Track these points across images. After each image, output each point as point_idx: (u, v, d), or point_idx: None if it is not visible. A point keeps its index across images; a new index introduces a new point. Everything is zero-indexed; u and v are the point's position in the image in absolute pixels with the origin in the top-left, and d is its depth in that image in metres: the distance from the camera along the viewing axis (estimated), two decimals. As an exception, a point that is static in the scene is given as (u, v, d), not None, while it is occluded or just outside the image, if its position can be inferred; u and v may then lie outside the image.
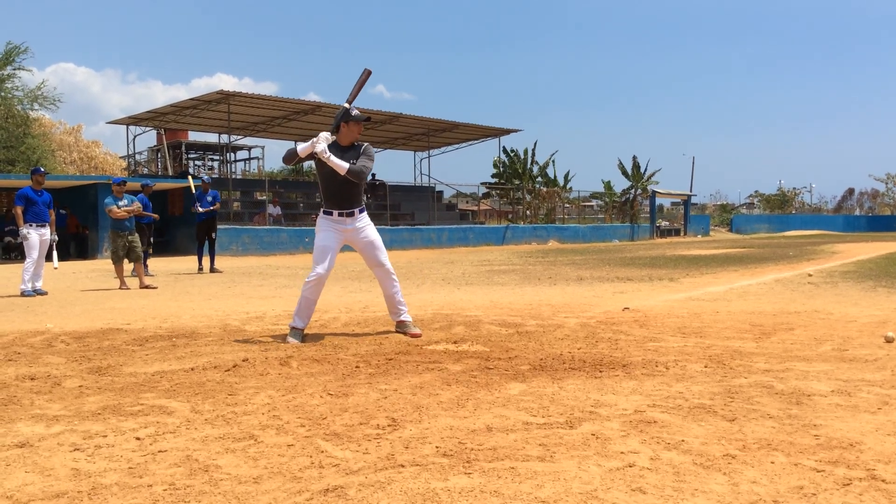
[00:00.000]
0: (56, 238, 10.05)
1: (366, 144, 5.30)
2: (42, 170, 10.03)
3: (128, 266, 10.75)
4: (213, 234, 13.53)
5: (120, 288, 9.98)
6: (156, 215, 12.73)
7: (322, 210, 5.32)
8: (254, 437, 2.80)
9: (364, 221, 5.36)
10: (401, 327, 5.42)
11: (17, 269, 10.71)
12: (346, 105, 5.16)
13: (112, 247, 10.39)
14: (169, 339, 5.26)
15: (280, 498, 2.18)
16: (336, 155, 5.10)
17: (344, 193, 5.22)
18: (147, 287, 10.06)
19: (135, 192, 12.24)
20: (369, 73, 5.23)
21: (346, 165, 5.06)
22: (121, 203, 10.39)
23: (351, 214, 5.26)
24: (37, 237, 9.55)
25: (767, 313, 6.29)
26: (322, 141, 5.02)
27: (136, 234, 10.55)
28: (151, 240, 12.66)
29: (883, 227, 48.17)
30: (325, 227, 5.28)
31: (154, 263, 12.48)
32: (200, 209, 13.21)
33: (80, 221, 20.92)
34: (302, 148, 5.10)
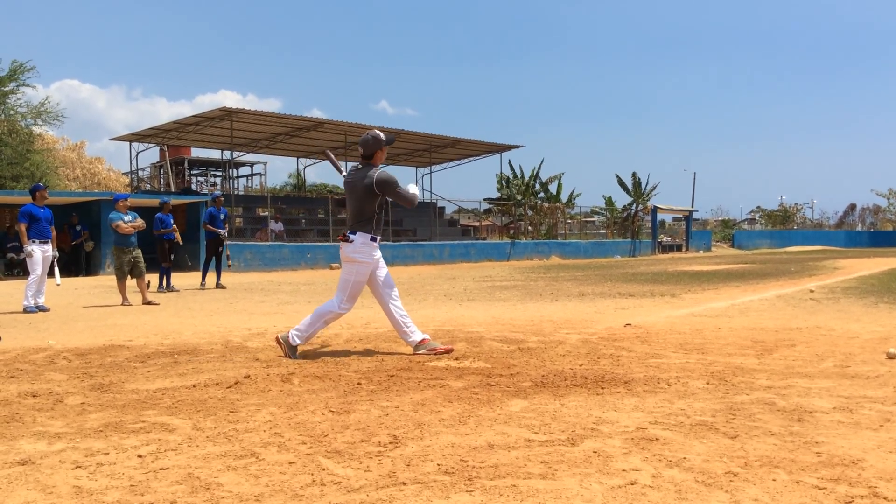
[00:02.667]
0: (57, 254, 10.08)
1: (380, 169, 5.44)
2: (43, 186, 10.07)
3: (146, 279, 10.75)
4: (221, 249, 13.64)
5: (122, 304, 9.99)
6: (177, 235, 12.93)
7: (370, 237, 5.26)
8: (255, 454, 2.80)
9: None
10: (421, 347, 5.26)
11: (19, 285, 10.74)
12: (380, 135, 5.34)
13: (116, 262, 10.41)
14: (171, 356, 5.27)
15: (281, 516, 2.18)
16: (353, 173, 5.31)
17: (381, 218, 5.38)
18: (149, 303, 10.07)
19: (150, 211, 12.40)
20: (326, 153, 5.51)
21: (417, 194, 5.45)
22: (126, 218, 10.45)
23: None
24: (40, 254, 9.57)
25: (769, 329, 6.28)
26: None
27: (139, 250, 10.58)
28: (172, 256, 12.76)
29: (885, 243, 48.11)
30: (370, 258, 5.26)
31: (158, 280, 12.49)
32: (222, 231, 13.46)
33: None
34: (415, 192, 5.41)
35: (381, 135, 5.30)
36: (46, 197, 9.86)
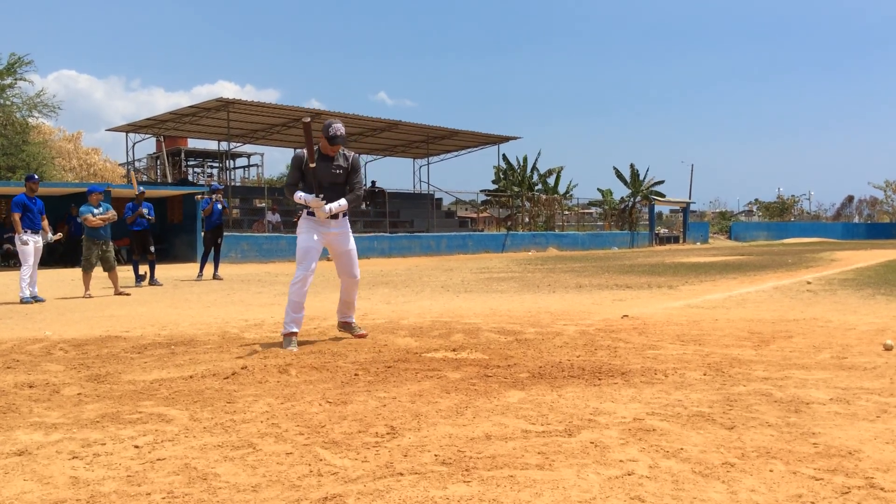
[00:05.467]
0: (51, 238, 10.07)
1: (353, 156, 5.46)
2: (36, 177, 10.03)
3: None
4: (219, 241, 13.59)
5: (83, 296, 9.96)
6: (148, 217, 12.29)
7: (306, 211, 5.36)
8: (252, 445, 2.80)
9: (345, 227, 5.51)
10: (346, 328, 5.60)
11: (15, 275, 10.68)
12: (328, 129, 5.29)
13: (85, 254, 10.38)
14: (168, 347, 5.26)
15: (279, 506, 2.18)
16: (321, 164, 5.27)
17: (330, 197, 5.30)
18: (121, 293, 10.17)
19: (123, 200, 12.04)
20: (307, 123, 5.29)
21: (345, 203, 5.32)
22: (96, 211, 10.41)
23: (335, 217, 5.38)
24: (33, 244, 9.56)
25: (766, 321, 6.29)
26: (318, 205, 5.19)
27: (111, 243, 10.57)
28: (153, 248, 12.51)
29: (882, 235, 48.20)
30: (308, 229, 5.35)
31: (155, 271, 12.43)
32: (218, 205, 13.30)
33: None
34: (299, 197, 5.24)
35: (328, 124, 5.28)
36: (36, 188, 9.81)
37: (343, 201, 5.31)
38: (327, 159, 5.32)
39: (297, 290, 5.25)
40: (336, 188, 5.32)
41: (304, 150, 5.31)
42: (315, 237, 5.33)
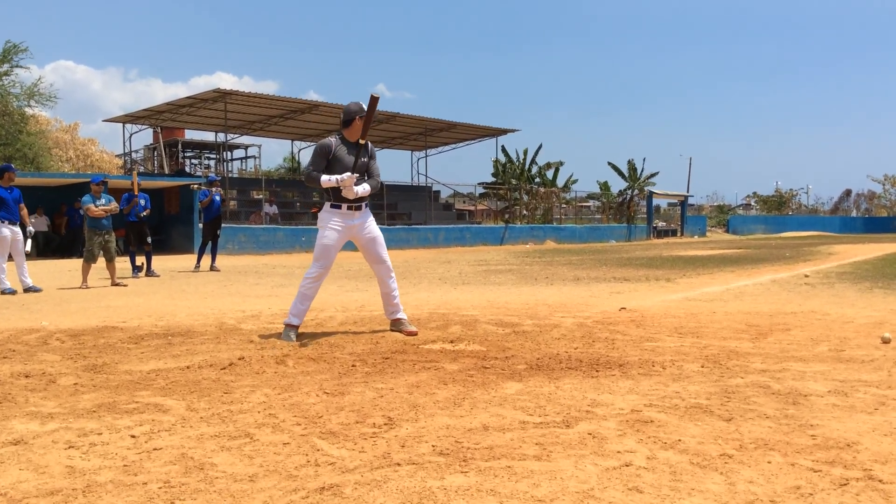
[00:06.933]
0: (32, 230, 10.03)
1: (370, 145, 5.33)
2: (12, 167, 9.91)
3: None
4: (218, 232, 13.60)
5: (81, 287, 9.92)
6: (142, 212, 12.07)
7: (329, 204, 5.25)
8: (249, 435, 2.79)
9: (368, 216, 5.41)
10: (396, 325, 5.42)
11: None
12: (367, 102, 5.17)
13: (88, 245, 10.35)
14: (165, 338, 5.25)
15: (275, 496, 2.17)
16: (347, 152, 5.15)
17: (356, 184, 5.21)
18: (118, 284, 10.17)
19: (119, 191, 11.99)
20: (377, 98, 5.12)
21: (369, 188, 5.23)
22: (98, 202, 10.37)
23: (359, 209, 5.29)
24: (9, 234, 9.46)
25: (764, 314, 6.29)
26: (350, 184, 5.04)
27: (112, 234, 10.55)
28: (150, 239, 12.45)
29: (879, 229, 48.26)
30: (331, 224, 5.24)
31: (152, 262, 12.39)
32: (217, 197, 13.41)
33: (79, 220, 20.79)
34: (325, 180, 5.07)
35: (356, 106, 5.18)
36: (13, 178, 9.70)
37: (366, 185, 5.21)
38: (351, 147, 5.20)
39: (308, 284, 5.22)
40: (359, 178, 5.22)
41: (332, 139, 5.20)
42: (337, 233, 5.22)
